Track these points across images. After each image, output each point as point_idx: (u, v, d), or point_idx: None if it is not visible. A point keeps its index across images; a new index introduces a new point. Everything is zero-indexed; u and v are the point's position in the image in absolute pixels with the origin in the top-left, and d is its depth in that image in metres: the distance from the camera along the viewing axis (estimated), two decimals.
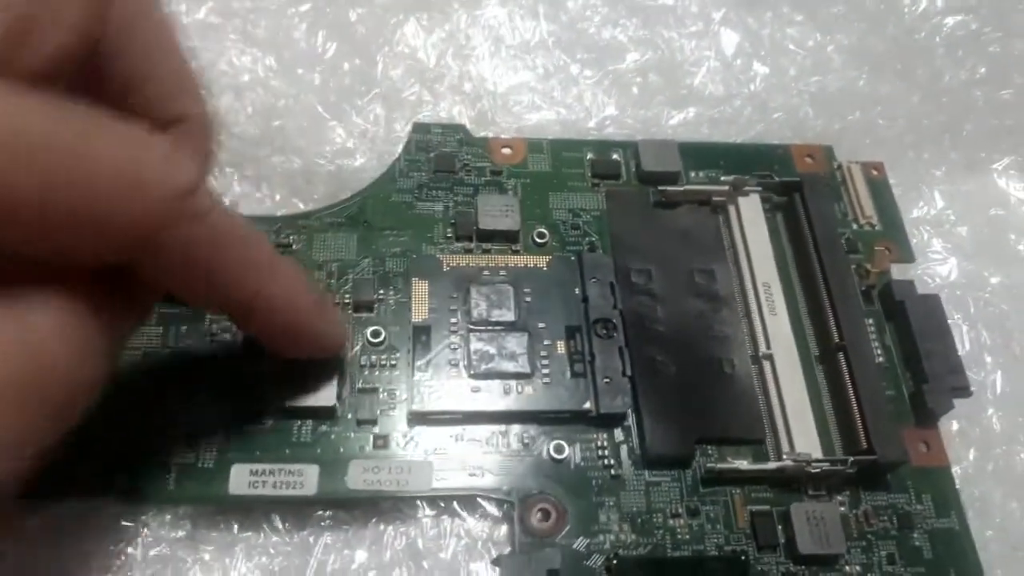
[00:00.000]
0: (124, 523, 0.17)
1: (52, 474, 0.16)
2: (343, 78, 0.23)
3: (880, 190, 0.23)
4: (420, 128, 0.22)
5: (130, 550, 0.17)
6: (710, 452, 0.19)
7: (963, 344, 0.22)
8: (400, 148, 0.22)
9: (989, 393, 0.22)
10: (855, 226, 0.23)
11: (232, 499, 0.17)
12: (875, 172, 0.23)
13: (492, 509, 0.18)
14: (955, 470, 0.20)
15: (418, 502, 0.18)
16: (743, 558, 0.18)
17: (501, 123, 0.23)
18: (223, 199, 0.17)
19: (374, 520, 0.18)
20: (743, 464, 0.18)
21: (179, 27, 0.15)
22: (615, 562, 0.17)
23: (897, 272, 0.22)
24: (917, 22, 0.26)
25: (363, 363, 0.19)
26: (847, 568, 0.18)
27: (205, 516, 0.18)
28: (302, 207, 0.21)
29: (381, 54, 0.23)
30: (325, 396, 0.18)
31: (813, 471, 0.18)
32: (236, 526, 0.18)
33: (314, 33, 0.23)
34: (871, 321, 0.21)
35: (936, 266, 0.23)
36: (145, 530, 0.17)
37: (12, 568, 0.17)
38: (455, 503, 0.18)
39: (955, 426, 0.21)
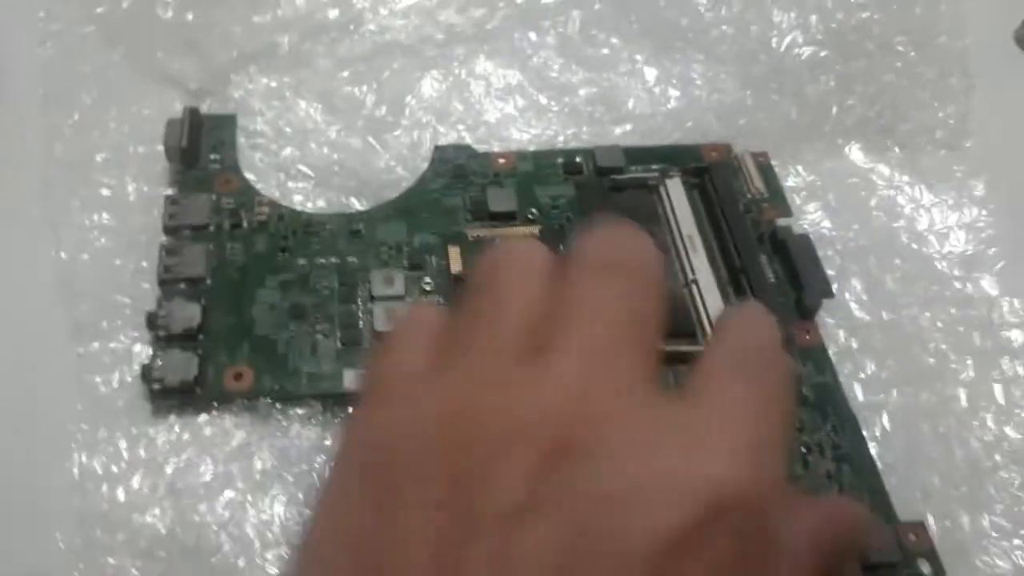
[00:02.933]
0: (276, 415, 0.25)
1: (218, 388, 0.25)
2: (382, 119, 0.32)
3: (766, 170, 0.32)
4: (440, 149, 0.31)
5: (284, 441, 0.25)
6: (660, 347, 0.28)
7: (834, 268, 0.31)
8: (427, 164, 0.31)
9: (854, 299, 0.31)
10: (749, 195, 0.32)
11: (347, 392, 0.26)
12: (761, 159, 0.33)
13: None
14: (831, 349, 0.29)
15: None
16: None
17: (495, 143, 0.32)
18: None
19: None
20: (680, 347, 0.27)
21: None
22: None
23: (780, 223, 0.31)
24: (784, 53, 0.36)
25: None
26: None
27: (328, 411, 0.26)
28: (360, 207, 0.30)
29: (407, 100, 0.32)
30: None
31: None
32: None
33: (358, 87, 0.32)
34: (764, 257, 0.30)
35: (809, 217, 0.32)
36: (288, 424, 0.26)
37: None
38: None
39: (831, 321, 0.30)
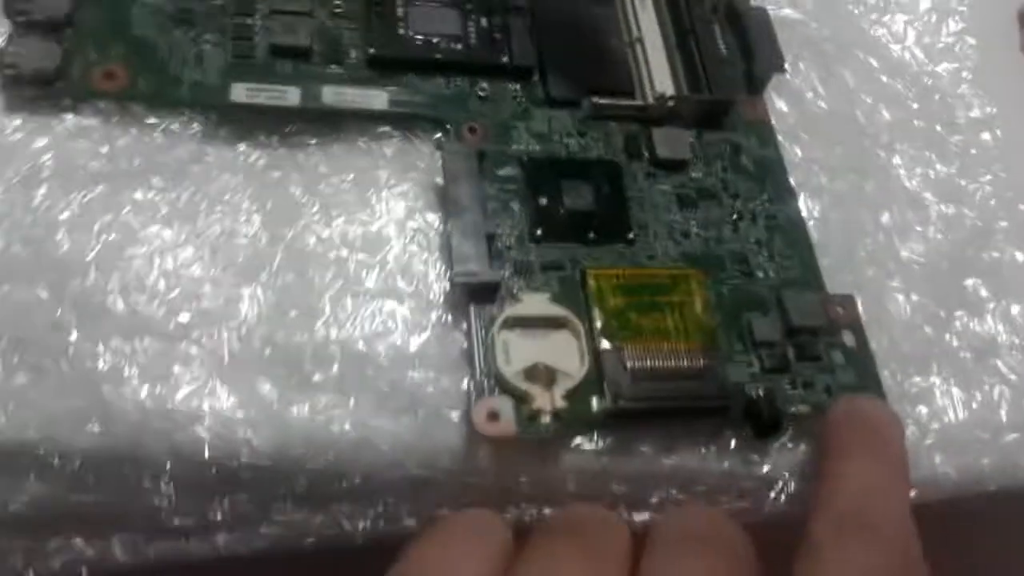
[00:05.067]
0: (149, 120, 0.22)
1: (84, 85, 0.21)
2: None
3: None
4: None
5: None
6: (597, 100, 0.25)
7: (791, 55, 0.28)
8: None
9: (809, 88, 0.28)
10: None
11: (233, 106, 0.22)
12: None
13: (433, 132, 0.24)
14: (780, 129, 0.27)
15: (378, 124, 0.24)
16: (617, 163, 0.24)
17: None
18: None
19: (342, 133, 0.23)
20: (616, 101, 0.25)
21: None
22: (527, 160, 0.24)
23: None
24: None
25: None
26: (692, 174, 0.25)
27: (210, 125, 0.23)
28: None
29: None
30: (303, 37, 0.23)
31: (669, 105, 0.25)
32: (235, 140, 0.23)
33: None
34: (716, 27, 0.28)
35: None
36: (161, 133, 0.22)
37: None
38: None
39: (782, 105, 0.28)
